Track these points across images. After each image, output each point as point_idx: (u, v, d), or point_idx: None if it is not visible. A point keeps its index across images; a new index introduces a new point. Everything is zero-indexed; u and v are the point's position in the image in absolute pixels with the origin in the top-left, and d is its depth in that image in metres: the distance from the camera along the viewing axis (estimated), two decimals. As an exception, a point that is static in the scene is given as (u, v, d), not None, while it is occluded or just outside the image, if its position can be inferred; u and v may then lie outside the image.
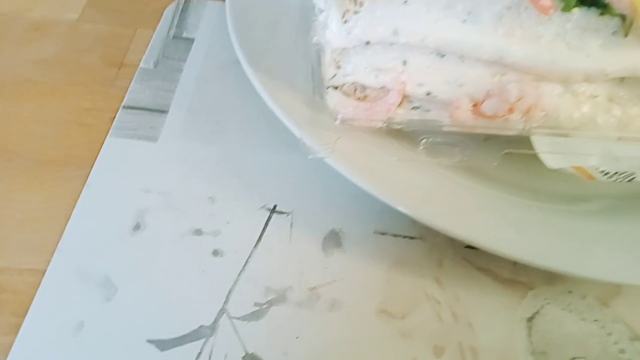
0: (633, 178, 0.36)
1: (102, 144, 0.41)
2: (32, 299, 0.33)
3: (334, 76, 0.37)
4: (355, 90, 0.38)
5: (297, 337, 0.33)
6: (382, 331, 0.34)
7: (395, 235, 0.39)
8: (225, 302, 0.34)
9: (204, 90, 0.46)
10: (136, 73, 0.47)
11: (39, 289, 0.34)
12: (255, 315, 0.34)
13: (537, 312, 0.36)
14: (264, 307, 0.34)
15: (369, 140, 0.37)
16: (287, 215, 0.39)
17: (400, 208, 0.34)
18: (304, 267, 0.36)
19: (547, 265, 0.34)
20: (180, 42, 0.50)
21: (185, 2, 0.54)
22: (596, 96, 0.37)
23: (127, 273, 0.35)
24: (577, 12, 0.34)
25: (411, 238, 0.38)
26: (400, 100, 0.37)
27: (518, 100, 0.36)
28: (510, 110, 0.36)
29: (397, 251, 0.38)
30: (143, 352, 0.32)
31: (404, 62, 0.36)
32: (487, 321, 0.35)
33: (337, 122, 0.36)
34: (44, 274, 0.34)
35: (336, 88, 0.38)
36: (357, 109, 0.37)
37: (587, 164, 0.36)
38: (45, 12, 0.52)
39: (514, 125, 0.36)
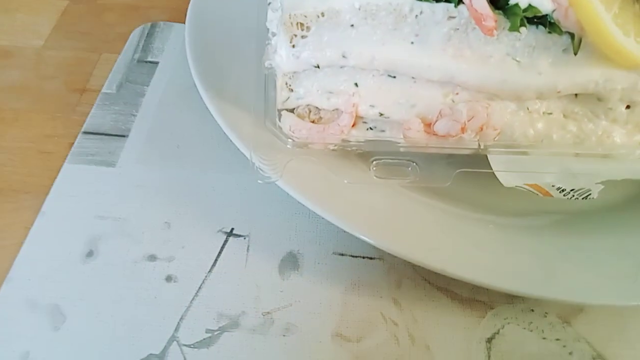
0: (589, 195, 0.36)
1: (60, 170, 0.41)
2: (-21, 329, 0.33)
3: (287, 99, 0.38)
4: (310, 112, 0.38)
5: (248, 364, 0.32)
6: (336, 356, 0.33)
7: (354, 256, 0.38)
8: (176, 329, 0.34)
9: (166, 114, 0.46)
10: (98, 98, 0.47)
11: (-14, 319, 0.33)
12: (206, 343, 0.33)
13: (497, 332, 0.35)
14: (216, 333, 0.34)
15: (321, 162, 0.37)
16: (244, 238, 0.38)
17: (350, 230, 0.34)
18: (259, 292, 0.36)
19: (508, 289, 0.34)
20: (145, 65, 0.50)
21: (152, 25, 0.54)
22: (550, 113, 0.37)
23: (77, 301, 0.34)
24: (525, 31, 0.34)
25: (370, 258, 0.38)
26: (352, 122, 0.37)
27: (469, 120, 0.35)
28: (463, 130, 0.36)
29: (355, 272, 0.37)
30: (89, 383, 0.31)
31: (356, 84, 0.37)
32: (445, 343, 0.35)
33: (289, 145, 0.36)
34: (-8, 303, 0.34)
35: (290, 111, 0.38)
36: (310, 131, 0.37)
37: (543, 181, 0.36)
38: (12, 39, 0.52)
39: (469, 144, 0.36)
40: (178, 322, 0.34)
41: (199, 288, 0.35)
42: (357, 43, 0.35)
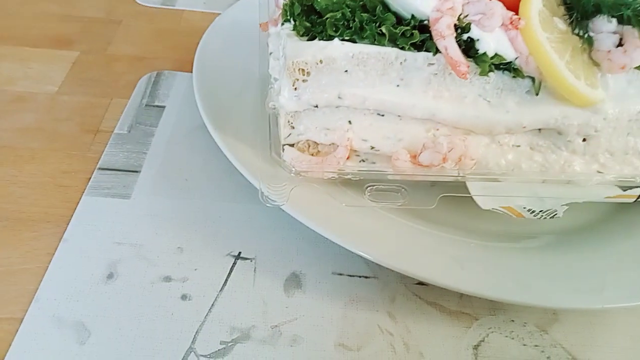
0: (555, 214, 0.41)
1: (78, 202, 0.44)
2: (10, 345, 0.35)
3: (289, 135, 0.42)
4: (309, 146, 0.43)
5: (260, 371, 0.35)
6: (340, 363, 0.37)
7: (351, 275, 0.42)
8: (193, 341, 0.37)
9: (174, 152, 0.50)
10: (111, 138, 0.51)
11: (16, 336, 0.36)
12: (221, 353, 0.36)
13: (482, 340, 0.39)
14: (230, 344, 0.37)
15: (321, 189, 0.42)
16: (251, 260, 0.42)
17: (349, 247, 0.38)
18: (266, 307, 0.39)
19: (489, 295, 0.38)
20: (152, 109, 0.55)
21: (157, 74, 0.59)
22: (519, 145, 0.43)
23: (100, 318, 0.37)
24: (494, 75, 0.40)
25: (366, 277, 0.42)
26: (347, 154, 0.42)
27: (449, 151, 0.41)
28: (444, 160, 0.41)
29: (352, 289, 0.41)
30: (114, 391, 0.34)
31: (349, 122, 0.42)
32: (437, 350, 0.38)
33: (292, 174, 0.40)
34: (21, 322, 0.36)
35: (292, 145, 0.43)
36: (310, 163, 0.42)
37: (515, 204, 0.41)
38: (27, 86, 0.56)
39: (450, 172, 0.42)
40: (194, 335, 0.37)
41: (212, 305, 0.39)
42: (350, 86, 0.40)
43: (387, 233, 0.41)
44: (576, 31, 0.39)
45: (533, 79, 0.40)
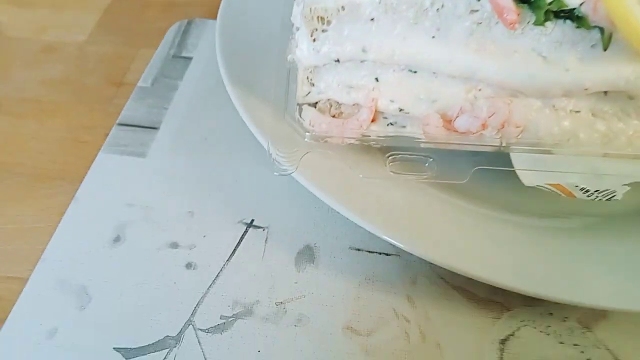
0: (614, 196, 0.35)
1: (94, 159, 0.43)
2: (14, 304, 0.35)
3: (308, 93, 0.38)
4: (331, 107, 0.38)
5: (258, 351, 0.33)
6: (346, 348, 0.34)
7: (371, 252, 0.38)
8: (193, 314, 0.35)
9: (196, 109, 0.47)
10: (133, 91, 0.49)
11: (21, 296, 0.36)
12: (220, 328, 0.34)
13: (511, 334, 0.35)
14: (230, 320, 0.35)
15: (338, 156, 0.38)
16: (263, 230, 0.39)
17: (363, 225, 0.34)
18: (274, 282, 0.37)
19: (526, 290, 0.33)
20: (179, 61, 0.52)
21: (188, 22, 0.56)
22: (578, 111, 0.36)
23: (103, 283, 0.36)
24: (553, 25, 0.33)
25: (387, 254, 0.38)
26: (371, 117, 0.37)
27: (490, 117, 0.35)
28: (484, 127, 0.35)
29: (370, 267, 0.38)
30: (109, 359, 0.33)
31: (376, 79, 0.37)
32: (457, 342, 0.34)
33: (306, 138, 0.36)
34: (26, 282, 0.36)
35: (313, 105, 0.39)
36: (330, 125, 0.38)
37: (566, 181, 0.35)
38: (58, 35, 0.55)
39: (490, 141, 0.36)
40: (195, 308, 0.35)
41: (217, 276, 0.37)
42: (377, 37, 0.35)
43: (411, 210, 0.37)
44: None
45: (602, 30, 0.33)
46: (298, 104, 0.38)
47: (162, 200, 0.41)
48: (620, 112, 0.36)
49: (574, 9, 0.32)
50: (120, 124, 0.46)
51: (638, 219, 0.38)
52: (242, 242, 0.39)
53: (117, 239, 0.38)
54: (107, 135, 0.45)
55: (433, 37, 0.34)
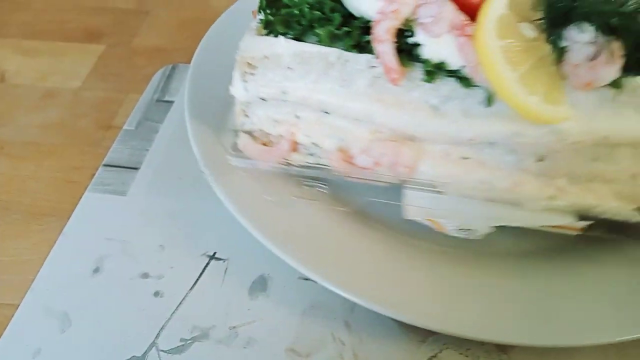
0: (476, 234, 0.40)
1: (81, 198, 0.49)
2: (5, 328, 0.41)
3: (243, 123, 0.45)
4: (261, 136, 0.45)
5: (211, 370, 0.39)
6: (287, 368, 0.39)
7: (317, 282, 0.43)
8: (157, 336, 0.40)
9: (174, 150, 0.53)
10: (119, 134, 0.55)
11: (11, 320, 0.42)
12: (179, 350, 0.40)
13: (434, 356, 0.40)
14: (188, 342, 0.40)
15: (250, 177, 0.45)
16: (224, 261, 0.45)
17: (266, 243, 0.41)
18: (229, 309, 0.42)
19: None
20: (162, 105, 0.58)
21: (172, 67, 0.62)
22: (467, 158, 0.41)
23: (82, 310, 0.42)
24: (442, 82, 0.38)
25: (331, 284, 0.43)
26: (290, 147, 0.43)
27: (382, 157, 0.41)
28: (377, 165, 0.41)
29: (315, 296, 0.43)
30: (83, 377, 0.39)
31: (297, 116, 0.43)
32: (385, 363, 0.39)
33: (232, 162, 0.43)
34: (17, 308, 0.42)
35: (247, 133, 0.45)
36: (259, 151, 0.44)
37: (438, 218, 0.41)
38: (56, 81, 0.62)
39: (385, 177, 0.42)
40: (159, 331, 0.41)
41: (180, 303, 0.42)
42: (294, 82, 0.41)
43: (322, 235, 0.43)
44: (550, 39, 0.36)
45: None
46: (235, 131, 0.45)
47: (137, 234, 0.47)
48: (503, 162, 0.40)
49: (457, 70, 0.37)
50: (106, 165, 0.52)
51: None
52: (204, 273, 0.44)
53: (96, 270, 0.44)
54: (93, 175, 0.51)
55: (340, 86, 0.40)
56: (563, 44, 0.35)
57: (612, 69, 0.34)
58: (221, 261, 0.45)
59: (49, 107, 0.59)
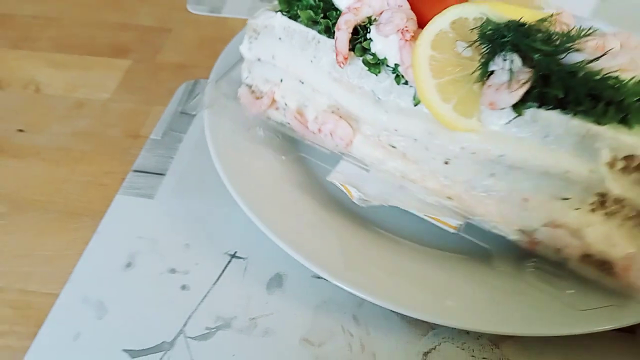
0: (375, 205, 0.47)
1: (112, 200, 0.54)
2: (47, 314, 0.45)
3: (246, 77, 0.54)
4: (256, 90, 0.54)
5: (233, 355, 0.43)
6: (302, 355, 0.44)
7: (328, 280, 0.48)
8: (184, 325, 0.45)
9: (197, 158, 0.58)
10: (146, 143, 0.60)
11: (53, 308, 0.46)
12: (204, 337, 0.44)
13: (433, 348, 0.44)
14: (213, 330, 0.45)
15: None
16: (244, 260, 0.49)
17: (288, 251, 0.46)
18: (249, 302, 0.47)
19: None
20: (185, 117, 0.63)
21: (194, 82, 0.68)
22: (394, 147, 0.47)
23: (117, 299, 0.46)
24: (386, 76, 0.44)
25: (341, 282, 0.48)
26: (268, 103, 0.52)
27: (322, 125, 0.49)
28: (320, 131, 0.49)
29: (326, 292, 0.47)
30: (119, 358, 0.43)
31: (281, 80, 0.51)
32: (389, 353, 0.44)
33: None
34: (57, 297, 0.47)
35: (247, 86, 0.55)
36: (249, 101, 0.53)
37: (350, 186, 0.48)
38: (86, 92, 0.67)
39: (331, 146, 0.50)
40: (186, 320, 0.45)
41: (205, 296, 0.47)
42: (281, 51, 0.50)
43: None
44: (480, 60, 0.40)
45: None
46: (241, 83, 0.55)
47: (164, 234, 0.51)
48: (418, 157, 0.46)
49: (395, 67, 0.43)
50: (135, 171, 0.57)
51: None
52: (226, 270, 0.49)
53: (128, 265, 0.49)
54: (123, 179, 0.56)
55: (311, 61, 0.48)
56: (489, 67, 0.39)
57: (512, 96, 0.38)
58: (241, 259, 0.49)
59: (80, 117, 0.64)
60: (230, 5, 0.83)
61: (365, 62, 0.44)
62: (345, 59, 0.44)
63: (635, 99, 0.37)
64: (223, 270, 0.49)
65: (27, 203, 0.55)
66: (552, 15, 0.41)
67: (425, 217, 0.46)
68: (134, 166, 0.57)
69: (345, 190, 0.48)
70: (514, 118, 0.39)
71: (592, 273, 0.41)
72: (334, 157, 0.50)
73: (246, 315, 0.46)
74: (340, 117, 0.48)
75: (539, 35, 0.39)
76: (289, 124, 0.52)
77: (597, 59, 0.38)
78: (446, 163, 0.44)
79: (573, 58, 0.39)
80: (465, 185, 0.44)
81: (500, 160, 0.41)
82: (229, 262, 0.49)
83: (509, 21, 0.39)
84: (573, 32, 0.40)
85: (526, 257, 0.44)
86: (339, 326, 0.45)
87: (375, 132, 0.47)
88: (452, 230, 0.45)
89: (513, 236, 0.43)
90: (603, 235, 0.40)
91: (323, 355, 0.44)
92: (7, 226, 0.53)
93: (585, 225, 0.40)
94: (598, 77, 0.37)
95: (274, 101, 0.52)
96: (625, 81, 0.37)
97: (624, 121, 0.37)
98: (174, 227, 0.52)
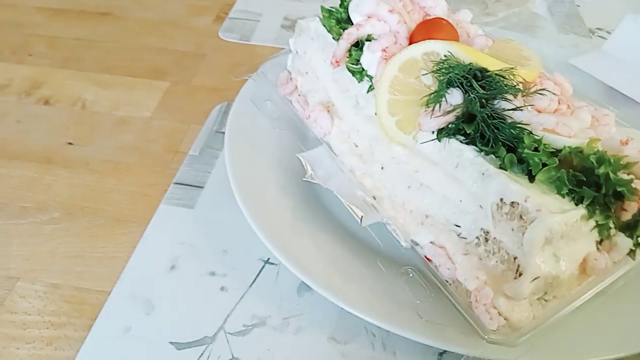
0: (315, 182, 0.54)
1: (156, 209, 0.59)
2: (101, 309, 0.51)
3: (289, 65, 0.66)
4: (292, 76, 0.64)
5: (268, 350, 0.48)
6: (329, 352, 0.48)
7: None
8: (224, 322, 0.50)
9: (231, 173, 0.63)
10: (186, 158, 0.66)
11: (105, 303, 0.51)
12: (242, 333, 0.49)
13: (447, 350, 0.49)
14: (249, 327, 0.50)
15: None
16: (276, 265, 0.55)
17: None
18: (282, 303, 0.52)
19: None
20: (220, 135, 0.69)
21: (228, 104, 0.74)
22: (357, 146, 0.56)
23: (163, 298, 0.52)
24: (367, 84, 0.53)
25: (364, 288, 0.53)
26: (293, 88, 0.63)
27: (311, 112, 0.58)
28: (308, 117, 0.58)
29: (351, 297, 0.52)
30: (165, 350, 0.48)
31: (306, 72, 0.62)
32: (408, 352, 0.49)
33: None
34: (109, 294, 0.52)
35: (288, 72, 0.66)
36: (281, 83, 0.64)
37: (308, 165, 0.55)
38: (128, 110, 0.73)
39: (314, 130, 0.59)
40: (225, 318, 0.50)
41: (242, 297, 0.52)
42: (310, 49, 0.62)
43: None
44: (436, 89, 0.46)
45: None
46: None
47: (204, 240, 0.57)
48: (368, 158, 0.54)
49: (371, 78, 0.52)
50: (176, 183, 0.63)
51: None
52: (260, 274, 0.54)
53: (172, 267, 0.54)
54: (165, 191, 0.62)
55: (324, 61, 0.59)
56: (440, 97, 0.45)
57: (433, 121, 0.45)
58: (274, 265, 0.55)
59: (124, 132, 0.70)
60: (259, 34, 0.90)
61: (349, 69, 0.54)
62: (337, 62, 0.54)
63: (531, 153, 0.41)
64: (257, 275, 0.54)
65: (78, 209, 0.60)
66: (514, 68, 0.46)
67: (345, 203, 0.51)
68: (175, 179, 0.63)
69: (304, 167, 0.55)
70: (431, 140, 0.46)
71: (452, 296, 0.44)
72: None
73: (279, 314, 0.51)
74: (328, 111, 0.58)
75: (484, 80, 0.44)
76: (294, 107, 0.62)
77: (514, 109, 0.43)
78: (382, 168, 0.52)
79: (501, 106, 0.44)
80: (389, 192, 0.52)
81: (415, 176, 0.49)
82: (263, 267, 0.54)
83: (469, 63, 0.45)
84: (524, 88, 0.46)
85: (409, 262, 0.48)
86: (362, 327, 0.50)
87: (347, 129, 0.56)
88: (357, 219, 0.50)
89: (404, 244, 0.48)
90: (470, 267, 0.44)
91: (348, 352, 0.48)
92: (61, 230, 0.58)
93: (462, 253, 0.45)
94: (505, 126, 0.42)
95: (296, 88, 0.62)
96: (524, 135, 0.42)
97: (530, 174, 0.41)
98: (212, 234, 0.57)
